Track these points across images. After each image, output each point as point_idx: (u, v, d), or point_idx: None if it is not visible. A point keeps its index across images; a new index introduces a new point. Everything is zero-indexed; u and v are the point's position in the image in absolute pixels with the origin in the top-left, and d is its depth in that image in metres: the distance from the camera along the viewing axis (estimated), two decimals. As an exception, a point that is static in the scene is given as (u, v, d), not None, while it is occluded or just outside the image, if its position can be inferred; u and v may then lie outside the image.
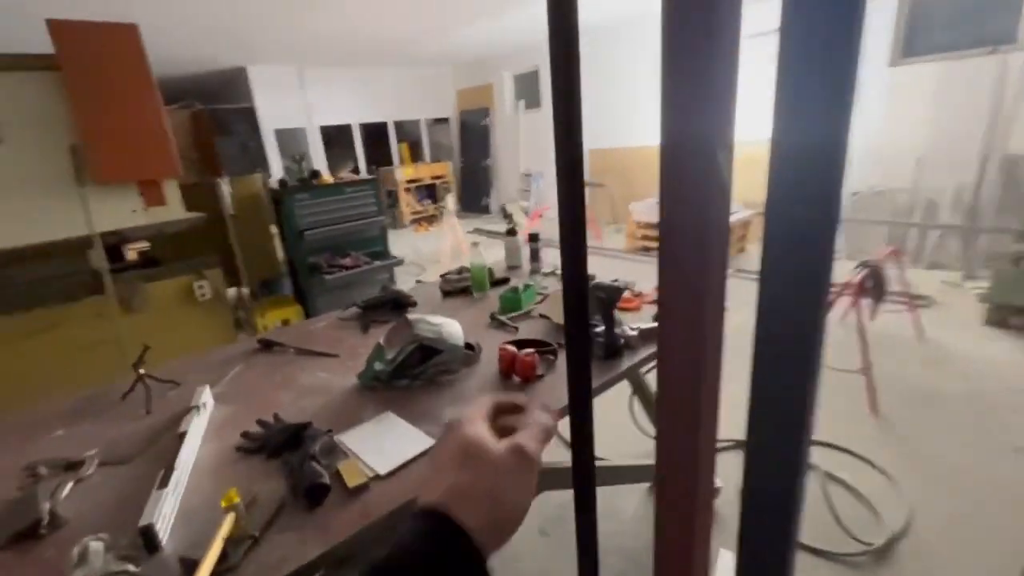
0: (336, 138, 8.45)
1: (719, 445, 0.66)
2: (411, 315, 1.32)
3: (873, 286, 2.50)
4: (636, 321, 1.49)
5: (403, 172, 8.34)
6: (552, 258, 1.71)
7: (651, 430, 2.13)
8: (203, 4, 3.97)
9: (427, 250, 6.39)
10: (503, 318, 1.64)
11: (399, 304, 1.80)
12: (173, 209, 2.43)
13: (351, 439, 1.06)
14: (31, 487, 0.96)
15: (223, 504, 0.81)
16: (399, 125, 8.90)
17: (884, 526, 1.71)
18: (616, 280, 1.88)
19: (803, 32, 0.32)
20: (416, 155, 9.25)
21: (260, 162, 3.15)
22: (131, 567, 0.75)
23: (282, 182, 3.43)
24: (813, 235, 0.34)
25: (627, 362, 1.32)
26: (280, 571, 0.76)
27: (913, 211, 4.43)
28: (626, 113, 6.63)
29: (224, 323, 2.72)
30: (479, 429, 0.38)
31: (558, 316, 1.58)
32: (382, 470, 0.95)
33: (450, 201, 5.51)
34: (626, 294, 1.73)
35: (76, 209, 2.14)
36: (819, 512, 1.78)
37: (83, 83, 2.05)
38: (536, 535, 1.82)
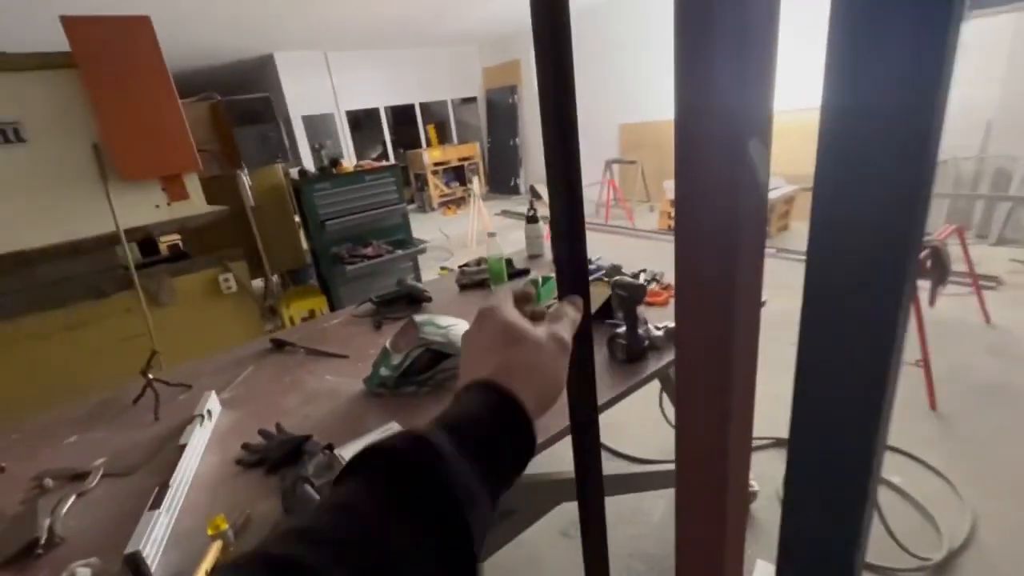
0: (364, 122, 8.45)
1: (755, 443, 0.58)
2: (418, 317, 1.25)
3: (933, 266, 2.26)
4: (663, 318, 1.37)
5: (430, 155, 8.27)
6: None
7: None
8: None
9: (455, 234, 6.34)
10: (520, 314, 1.55)
11: (414, 299, 1.73)
12: (195, 203, 2.44)
13: (352, 453, 1.00)
14: (34, 501, 0.95)
15: (209, 532, 0.77)
16: (426, 107, 8.81)
17: (943, 538, 1.55)
18: (643, 270, 1.76)
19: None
20: (443, 137, 9.16)
21: (283, 152, 3.11)
22: (114, 598, 0.72)
23: (301, 172, 3.41)
24: (893, 217, 0.27)
25: (652, 365, 1.22)
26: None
27: (980, 181, 4.04)
28: (661, 84, 6.30)
29: (251, 315, 2.74)
30: (515, 314, 0.41)
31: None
32: (381, 490, 0.89)
33: (476, 184, 5.40)
34: (652, 287, 1.61)
35: (101, 206, 2.17)
36: (868, 520, 1.64)
37: (100, 78, 2.05)
38: (558, 537, 1.75)
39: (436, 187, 8.30)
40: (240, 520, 0.85)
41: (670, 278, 1.68)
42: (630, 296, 1.20)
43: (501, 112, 8.79)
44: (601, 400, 1.09)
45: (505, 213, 7.39)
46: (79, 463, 1.08)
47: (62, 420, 1.29)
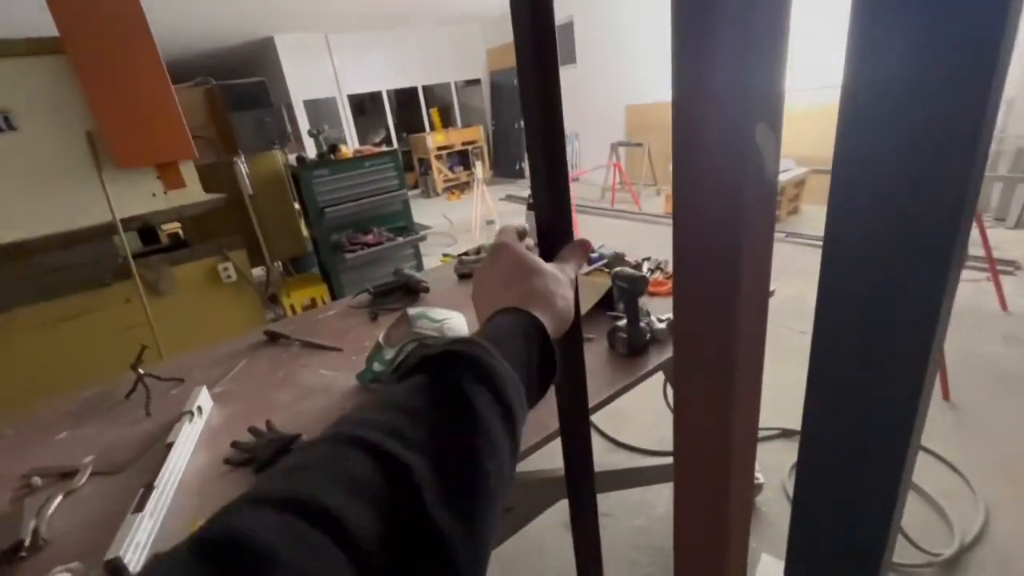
0: (367, 107, 8.35)
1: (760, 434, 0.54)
2: (412, 309, 1.21)
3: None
4: (667, 309, 1.32)
5: (434, 139, 8.16)
6: (581, 232, 1.55)
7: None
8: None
9: (459, 220, 6.28)
10: (520, 305, 1.50)
11: (411, 290, 1.70)
12: (192, 191, 2.40)
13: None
14: (20, 501, 0.94)
15: (191, 538, 0.74)
16: (429, 90, 8.67)
17: (954, 533, 1.51)
18: (647, 259, 1.70)
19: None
20: (447, 120, 9.03)
21: (281, 137, 3.06)
22: (94, 606, 0.70)
23: (299, 158, 3.35)
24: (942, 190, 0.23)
25: (654, 359, 1.17)
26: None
27: (999, 162, 3.90)
28: (668, 63, 6.13)
29: (251, 304, 2.72)
30: (524, 249, 0.46)
31: (585, 303, 1.43)
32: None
33: (479, 169, 5.32)
34: (656, 276, 1.56)
35: (97, 196, 2.13)
36: (876, 513, 1.60)
37: (90, 61, 1.99)
38: (561, 528, 1.74)
39: (440, 172, 8.22)
40: (226, 523, 0.82)
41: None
42: (631, 288, 1.16)
43: (505, 94, 8.64)
44: (600, 396, 1.05)
45: (510, 198, 7.30)
46: (69, 460, 1.06)
47: (54, 414, 1.27)
